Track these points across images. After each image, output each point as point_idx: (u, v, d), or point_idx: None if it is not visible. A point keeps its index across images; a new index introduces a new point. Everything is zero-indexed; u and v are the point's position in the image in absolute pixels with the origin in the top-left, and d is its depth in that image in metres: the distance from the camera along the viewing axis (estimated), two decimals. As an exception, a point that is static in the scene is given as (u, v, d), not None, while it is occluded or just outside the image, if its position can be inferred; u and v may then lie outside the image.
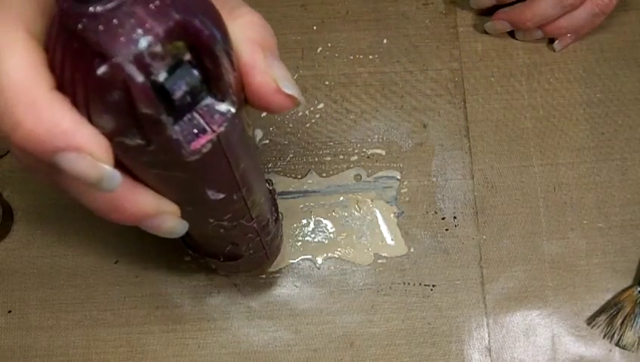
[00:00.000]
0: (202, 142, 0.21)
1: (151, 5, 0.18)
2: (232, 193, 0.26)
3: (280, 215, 0.39)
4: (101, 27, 0.17)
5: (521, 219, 0.49)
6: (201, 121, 0.20)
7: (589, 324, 0.48)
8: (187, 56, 0.19)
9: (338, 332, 0.47)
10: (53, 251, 0.48)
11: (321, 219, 0.49)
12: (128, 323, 0.47)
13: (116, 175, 0.20)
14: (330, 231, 0.49)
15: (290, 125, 0.51)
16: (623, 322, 0.47)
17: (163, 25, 0.18)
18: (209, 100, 0.21)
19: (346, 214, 0.49)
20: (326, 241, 0.49)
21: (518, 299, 0.48)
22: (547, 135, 0.51)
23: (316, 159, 0.50)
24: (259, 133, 0.50)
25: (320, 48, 0.52)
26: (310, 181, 0.50)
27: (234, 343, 0.47)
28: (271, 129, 0.51)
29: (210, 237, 0.33)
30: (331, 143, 0.51)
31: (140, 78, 0.18)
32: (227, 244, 0.34)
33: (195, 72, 0.20)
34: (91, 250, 0.48)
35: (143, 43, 0.18)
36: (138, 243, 0.48)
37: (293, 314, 0.48)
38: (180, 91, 0.19)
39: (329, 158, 0.50)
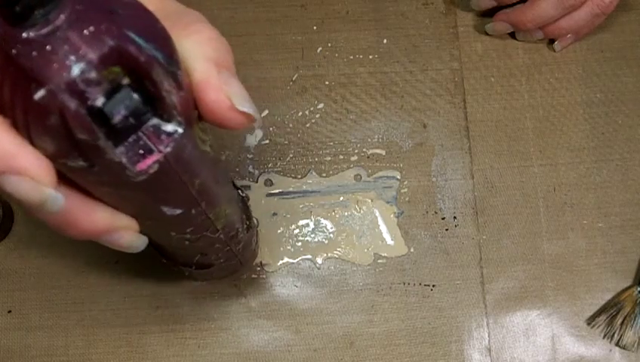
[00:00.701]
0: (148, 163, 0.20)
1: (85, 31, 0.18)
2: (189, 208, 0.26)
3: (255, 221, 0.38)
4: (34, 53, 0.17)
5: (521, 219, 0.49)
6: (147, 141, 0.20)
7: (589, 324, 0.48)
8: (125, 81, 0.19)
9: (338, 332, 0.47)
10: (53, 251, 0.48)
11: (321, 219, 0.49)
12: (128, 323, 0.47)
13: (59, 197, 0.20)
14: (330, 231, 0.49)
15: (290, 125, 0.51)
16: (623, 322, 0.47)
17: (97, 51, 0.18)
18: (155, 121, 0.20)
19: (346, 214, 0.49)
20: (326, 241, 0.49)
21: (518, 299, 0.48)
22: (547, 135, 0.51)
23: (316, 159, 0.50)
24: (259, 133, 0.50)
25: (320, 48, 0.52)
26: (310, 181, 0.50)
27: (234, 343, 0.47)
28: (271, 129, 0.51)
29: (176, 248, 0.32)
30: (331, 143, 0.51)
31: (73, 104, 0.18)
32: (196, 254, 0.34)
33: (135, 96, 0.19)
34: (91, 250, 0.48)
35: (76, 70, 0.18)
36: (138, 243, 0.48)
37: (293, 314, 0.48)
38: (119, 115, 0.19)
39: (329, 158, 0.50)
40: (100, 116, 0.19)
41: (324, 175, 0.50)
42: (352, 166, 0.50)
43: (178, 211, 0.25)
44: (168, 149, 0.20)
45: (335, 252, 0.49)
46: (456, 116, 0.51)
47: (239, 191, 0.37)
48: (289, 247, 0.49)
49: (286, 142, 0.50)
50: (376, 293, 0.48)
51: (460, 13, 0.53)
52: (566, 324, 0.48)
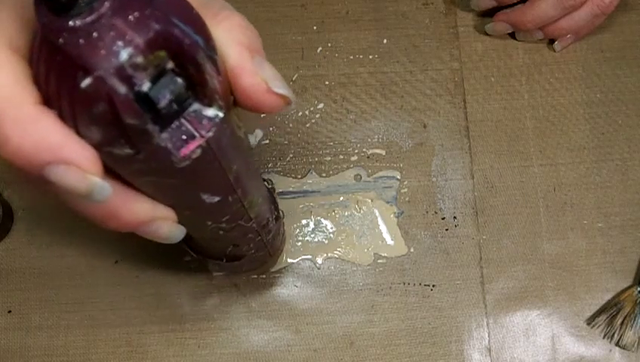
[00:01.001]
0: (191, 148, 0.21)
1: (130, 17, 0.18)
2: (227, 195, 0.26)
3: (281, 213, 0.39)
4: (81, 41, 0.17)
5: (521, 219, 0.49)
6: (190, 127, 0.20)
7: (589, 324, 0.48)
8: (170, 65, 0.19)
9: (338, 332, 0.47)
10: (53, 251, 0.48)
11: (321, 219, 0.49)
12: (128, 323, 0.47)
13: (105, 186, 0.20)
14: (330, 231, 0.49)
15: (290, 125, 0.51)
16: (623, 322, 0.47)
17: (143, 36, 0.18)
18: (196, 106, 0.21)
19: (346, 214, 0.49)
20: (326, 241, 0.49)
21: (518, 299, 0.48)
22: (547, 135, 0.51)
23: (316, 159, 0.50)
24: (259, 133, 0.50)
25: (320, 48, 0.52)
26: (310, 181, 0.50)
27: (234, 343, 0.47)
28: (271, 129, 0.51)
29: (210, 239, 0.33)
30: (331, 143, 0.51)
31: (122, 89, 0.18)
32: (228, 245, 0.34)
33: (179, 80, 0.20)
34: (91, 250, 0.48)
35: (124, 55, 0.18)
36: (138, 243, 0.48)
37: (293, 314, 0.48)
38: (164, 100, 0.19)
39: (329, 158, 0.50)
40: (146, 101, 0.19)
41: (324, 175, 0.50)
42: (352, 166, 0.50)
43: (216, 199, 0.25)
44: (210, 134, 0.21)
45: (335, 252, 0.49)
46: (456, 116, 0.51)
47: (265, 182, 0.37)
48: (289, 247, 0.49)
49: (286, 142, 0.50)
50: (376, 293, 0.48)
51: (460, 13, 0.53)
52: (566, 324, 0.48)
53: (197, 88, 0.20)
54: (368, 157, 0.50)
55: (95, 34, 0.17)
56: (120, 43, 0.18)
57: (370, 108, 0.51)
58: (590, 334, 0.48)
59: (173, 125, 0.20)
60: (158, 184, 0.23)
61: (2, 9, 0.20)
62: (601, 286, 0.48)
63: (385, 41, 0.52)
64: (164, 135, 0.20)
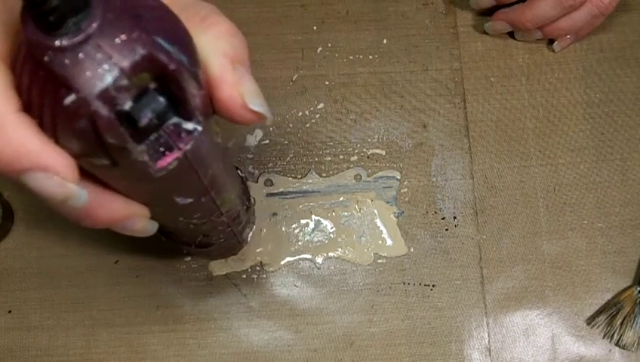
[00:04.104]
0: (168, 160, 0.21)
1: (117, 40, 0.18)
2: (199, 197, 0.27)
3: (252, 200, 0.39)
4: (67, 61, 0.17)
5: (521, 219, 0.49)
6: (168, 139, 0.21)
7: (588, 324, 0.48)
8: (152, 85, 0.19)
9: (338, 332, 0.47)
10: (53, 251, 0.48)
11: (321, 219, 0.49)
12: (128, 323, 0.47)
13: (82, 193, 0.21)
14: (330, 231, 0.49)
15: (290, 125, 0.51)
16: (622, 322, 0.47)
17: (129, 59, 0.18)
18: (175, 120, 0.21)
19: (346, 214, 0.49)
20: (326, 241, 0.49)
21: (518, 299, 0.48)
22: (547, 135, 0.51)
23: (316, 159, 0.50)
24: (259, 133, 0.50)
25: (320, 48, 0.52)
26: (310, 181, 0.50)
27: (234, 343, 0.47)
28: (271, 129, 0.51)
29: (181, 229, 0.34)
30: (331, 143, 0.51)
31: (105, 111, 0.18)
32: (198, 235, 0.35)
33: (161, 99, 0.20)
34: (91, 250, 0.48)
35: (109, 78, 0.18)
36: (138, 243, 0.48)
37: (293, 314, 0.48)
38: (145, 118, 0.19)
39: (329, 158, 0.50)
40: (127, 119, 0.19)
41: (324, 175, 0.50)
42: (352, 166, 0.50)
43: (189, 200, 0.26)
44: (188, 147, 0.21)
45: (335, 252, 0.49)
46: (456, 116, 0.51)
47: (239, 171, 0.37)
48: (289, 247, 0.49)
49: (286, 142, 0.50)
50: (376, 293, 0.48)
51: (460, 13, 0.53)
52: (566, 324, 0.48)
53: (177, 104, 0.20)
54: (368, 157, 0.50)
55: (81, 55, 0.17)
56: (106, 66, 0.18)
57: (370, 108, 0.51)
58: (590, 334, 0.48)
59: (152, 137, 0.20)
60: (134, 188, 0.23)
61: None
62: (601, 286, 0.48)
63: (385, 41, 0.52)
64: (142, 147, 0.20)
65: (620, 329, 0.47)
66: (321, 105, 0.51)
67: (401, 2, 0.53)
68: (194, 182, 0.24)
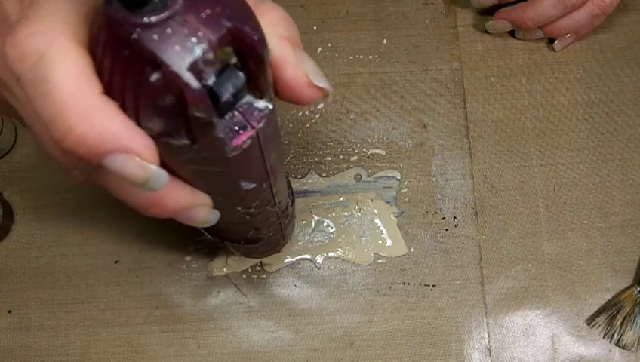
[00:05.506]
0: (243, 139, 0.21)
1: (202, 14, 0.18)
2: (262, 182, 0.27)
3: (294, 196, 0.40)
4: (155, 36, 0.18)
5: (521, 219, 0.49)
6: (242, 118, 0.21)
7: (588, 324, 0.48)
8: (234, 60, 0.20)
9: (338, 332, 0.47)
10: (53, 251, 0.48)
11: (321, 219, 0.49)
12: (128, 323, 0.47)
13: (162, 174, 0.21)
14: (330, 231, 0.49)
15: (290, 125, 0.51)
16: (622, 322, 0.47)
17: (215, 33, 0.19)
18: (248, 98, 0.21)
19: (346, 214, 0.49)
20: (326, 241, 0.49)
21: (518, 299, 0.48)
22: (547, 135, 0.51)
23: (316, 159, 0.50)
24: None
25: (320, 48, 0.52)
26: (310, 181, 0.50)
27: (234, 343, 0.47)
28: (271, 129, 0.51)
29: (235, 223, 0.34)
30: (331, 143, 0.51)
31: (195, 84, 0.18)
32: (250, 229, 0.35)
33: (241, 74, 0.20)
34: (91, 250, 0.48)
35: (197, 51, 0.18)
36: (138, 243, 0.48)
37: (293, 314, 0.48)
38: (227, 93, 0.20)
39: (329, 158, 0.50)
40: (210, 94, 0.19)
41: (324, 175, 0.50)
42: (352, 166, 0.50)
43: (252, 185, 0.26)
44: (260, 125, 0.21)
45: (335, 252, 0.49)
46: (456, 116, 0.51)
47: None
48: (289, 247, 0.49)
49: (286, 142, 0.50)
50: (376, 293, 0.48)
51: (460, 13, 0.53)
52: (566, 324, 0.48)
53: (252, 81, 0.21)
54: (368, 157, 0.50)
55: (169, 30, 0.18)
56: (194, 39, 0.18)
57: (371, 108, 0.51)
58: (590, 334, 0.48)
59: (227, 116, 0.21)
60: (203, 172, 0.24)
61: (66, 1, 0.20)
62: (601, 286, 0.48)
63: (385, 41, 0.52)
64: (224, 122, 0.21)
65: (620, 329, 0.47)
66: (321, 105, 0.51)
67: (401, 2, 0.53)
68: (259, 165, 0.25)
